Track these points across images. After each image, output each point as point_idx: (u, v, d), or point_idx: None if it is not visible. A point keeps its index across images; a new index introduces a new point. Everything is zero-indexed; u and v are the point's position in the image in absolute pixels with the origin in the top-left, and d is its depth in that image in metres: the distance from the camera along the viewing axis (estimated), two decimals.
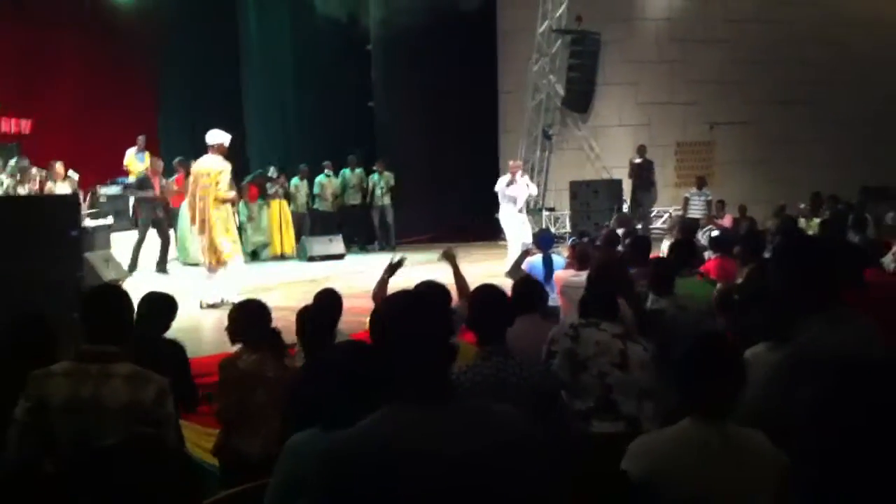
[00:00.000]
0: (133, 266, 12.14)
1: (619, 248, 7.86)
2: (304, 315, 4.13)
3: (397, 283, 8.01)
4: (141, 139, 14.52)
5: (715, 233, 9.76)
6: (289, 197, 15.57)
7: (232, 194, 9.41)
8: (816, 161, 16.11)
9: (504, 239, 12.81)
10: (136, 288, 8.67)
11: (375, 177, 16.27)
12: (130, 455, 2.21)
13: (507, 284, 4.86)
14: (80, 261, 6.91)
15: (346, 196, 16.22)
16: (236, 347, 4.36)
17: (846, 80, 16.28)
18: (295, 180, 15.70)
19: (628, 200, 15.90)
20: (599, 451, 3.20)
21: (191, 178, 9.81)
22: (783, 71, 16.52)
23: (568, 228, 17.00)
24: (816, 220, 11.81)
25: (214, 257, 9.08)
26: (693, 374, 2.53)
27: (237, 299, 7.42)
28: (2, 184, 11.60)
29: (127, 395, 3.02)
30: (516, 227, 12.06)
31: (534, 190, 13.52)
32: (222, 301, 8.78)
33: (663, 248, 9.14)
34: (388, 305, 2.02)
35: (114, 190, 13.86)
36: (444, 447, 1.82)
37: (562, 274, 7.07)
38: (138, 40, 16.55)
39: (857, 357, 2.43)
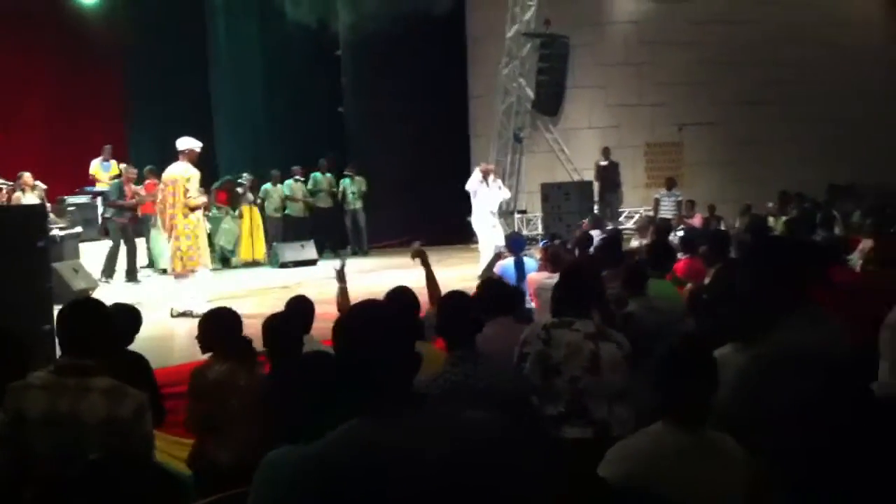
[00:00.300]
0: (109, 274, 12.06)
1: (591, 249, 7.92)
2: (269, 324, 4.08)
3: (370, 288, 8.05)
4: (106, 149, 14.43)
5: (679, 233, 9.87)
6: (262, 202, 15.48)
7: (202, 200, 9.36)
8: (784, 160, 16.30)
9: (476, 242, 12.83)
10: (106, 297, 8.61)
11: (347, 181, 16.25)
12: (110, 473, 2.20)
13: None
14: (48, 271, 6.81)
15: (316, 200, 16.17)
16: (207, 356, 4.34)
17: (812, 79, 16.47)
18: (266, 186, 15.63)
19: (597, 202, 16.07)
20: (569, 456, 3.19)
21: (160, 185, 9.76)
22: (750, 71, 16.69)
23: (540, 231, 17.09)
24: (784, 219, 11.95)
25: (181, 264, 9.02)
26: (670, 379, 2.54)
27: (205, 309, 7.38)
28: None
29: (105, 410, 2.99)
30: (488, 231, 12.07)
31: (506, 193, 13.56)
32: (192, 312, 8.72)
33: (632, 246, 9.23)
34: (349, 318, 2.02)
35: (82, 199, 13.73)
36: (406, 459, 1.81)
37: (535, 276, 7.12)
38: (105, 47, 16.39)
39: (826, 356, 2.46)
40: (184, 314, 8.88)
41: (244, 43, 17.35)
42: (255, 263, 14.96)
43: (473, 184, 12.17)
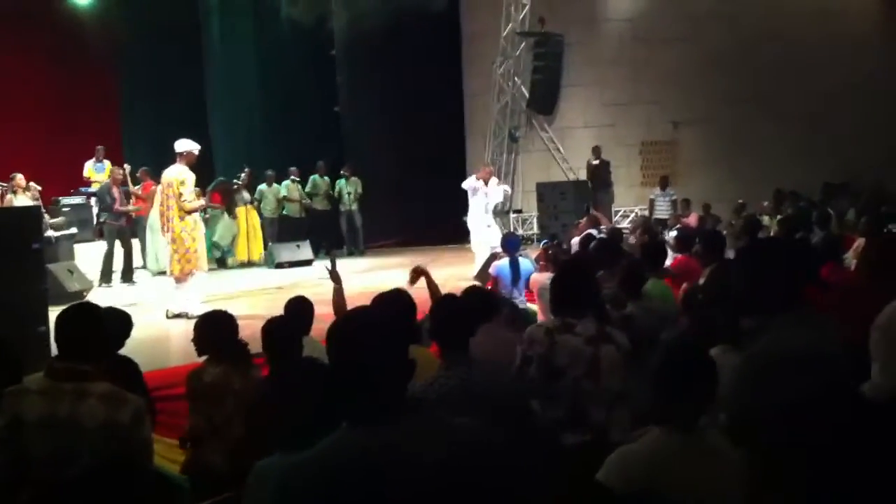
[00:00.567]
0: (108, 279, 12.03)
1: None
2: (268, 328, 4.07)
3: (366, 288, 8.05)
4: (99, 149, 14.43)
5: (673, 232, 9.88)
6: (258, 203, 15.47)
7: (198, 204, 9.33)
8: (779, 158, 16.30)
9: (471, 241, 12.78)
10: (102, 299, 8.61)
11: (343, 182, 16.24)
12: (106, 477, 2.20)
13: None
14: (43, 273, 6.80)
15: (314, 201, 16.16)
16: (203, 359, 4.34)
17: (808, 77, 16.47)
18: (262, 187, 15.61)
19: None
20: (568, 461, 3.18)
21: (159, 188, 9.76)
22: (745, 69, 16.68)
23: (536, 230, 17.11)
24: (778, 218, 11.96)
25: (178, 267, 9.01)
26: (667, 384, 2.54)
27: (201, 310, 7.38)
28: None
29: (103, 415, 2.98)
30: (482, 230, 12.03)
31: (507, 189, 13.51)
32: (187, 314, 8.72)
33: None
34: (342, 323, 2.01)
35: (77, 200, 13.70)
36: (400, 465, 1.81)
37: (538, 277, 7.13)
38: (99, 48, 16.37)
39: (819, 358, 2.46)
40: (179, 315, 8.88)
41: (239, 42, 17.31)
42: (250, 264, 14.95)
43: (471, 182, 12.10)
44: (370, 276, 11.97)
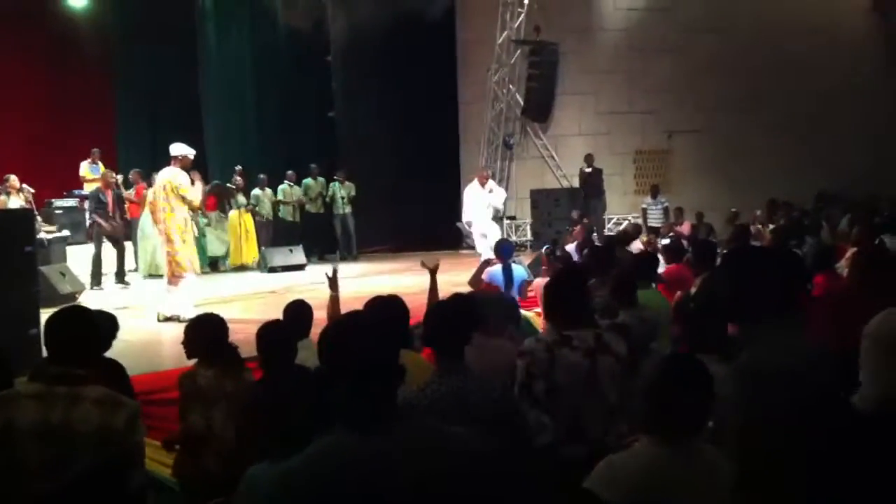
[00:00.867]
0: (97, 280, 11.98)
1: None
2: (261, 332, 4.03)
3: (359, 293, 8.03)
4: (95, 151, 14.41)
5: (665, 241, 9.89)
6: (254, 207, 15.45)
7: (196, 195, 9.29)
8: (772, 168, 16.36)
9: (465, 247, 12.77)
10: (94, 301, 8.59)
11: (337, 186, 16.24)
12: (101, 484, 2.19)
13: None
14: (35, 275, 6.79)
15: (309, 206, 16.16)
16: (193, 362, 4.32)
17: (802, 88, 16.55)
18: (256, 191, 15.60)
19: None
20: (565, 476, 3.14)
21: (152, 190, 9.74)
22: (739, 80, 16.77)
23: (529, 237, 17.14)
24: (771, 227, 11.99)
25: (170, 270, 9.01)
26: (660, 396, 2.50)
27: (192, 313, 7.36)
28: None
29: (97, 420, 2.93)
30: (478, 238, 11.98)
31: (502, 192, 13.54)
32: (179, 317, 8.70)
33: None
34: (332, 329, 2.01)
35: (70, 203, 13.67)
36: (389, 473, 1.80)
37: (542, 282, 7.13)
38: (94, 51, 16.37)
39: (808, 368, 2.46)
40: (170, 319, 8.86)
41: (235, 47, 17.29)
42: (243, 268, 14.93)
43: (476, 191, 11.96)
44: (363, 281, 11.95)
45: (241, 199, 15.21)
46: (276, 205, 15.82)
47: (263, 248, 15.06)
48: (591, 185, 16.07)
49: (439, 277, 5.92)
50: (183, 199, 8.95)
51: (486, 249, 11.40)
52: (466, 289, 8.81)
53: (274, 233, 15.67)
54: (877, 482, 2.34)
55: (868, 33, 17.37)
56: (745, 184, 16.21)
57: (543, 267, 7.60)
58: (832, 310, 4.53)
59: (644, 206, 15.91)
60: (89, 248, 12.62)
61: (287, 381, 2.71)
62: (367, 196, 16.55)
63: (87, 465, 2.85)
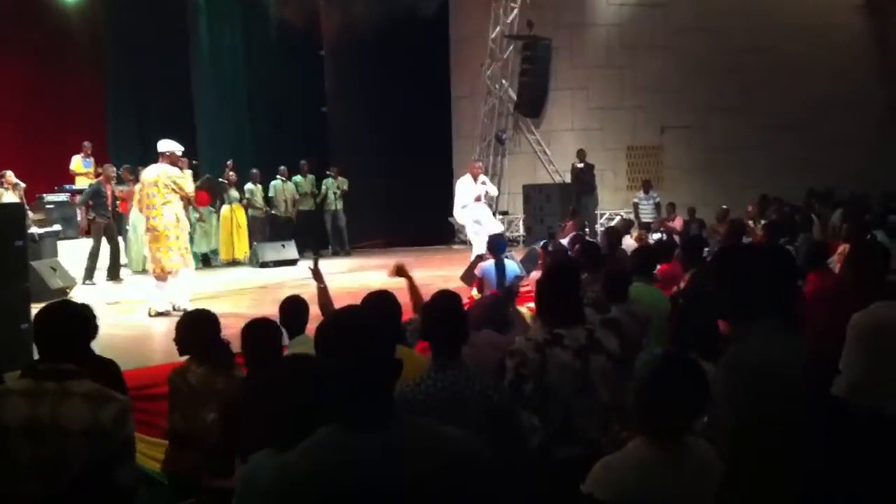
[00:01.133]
0: (90, 275, 11.94)
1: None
2: (245, 329, 4.00)
3: (350, 288, 8.04)
4: (86, 145, 14.36)
5: (656, 235, 9.91)
6: (248, 202, 15.42)
7: (190, 187, 9.28)
8: (764, 165, 16.41)
9: (457, 242, 12.73)
10: (86, 297, 8.56)
11: (329, 181, 16.22)
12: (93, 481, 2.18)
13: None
14: (26, 270, 6.75)
15: (300, 202, 16.14)
16: (184, 359, 4.31)
17: (792, 85, 16.58)
18: (249, 185, 15.56)
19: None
20: (558, 475, 3.13)
21: (138, 187, 9.69)
22: (731, 77, 16.80)
23: (522, 232, 17.15)
24: (762, 223, 12.02)
25: (159, 267, 8.97)
26: (652, 395, 2.51)
27: (188, 306, 7.35)
28: None
29: (86, 415, 2.90)
30: (471, 234, 11.95)
31: (493, 189, 13.53)
32: (173, 308, 8.69)
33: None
34: (327, 324, 2.01)
35: (61, 197, 13.62)
36: (384, 469, 1.80)
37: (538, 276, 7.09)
38: (85, 46, 16.28)
39: (798, 366, 2.45)
40: (162, 314, 8.84)
41: (227, 43, 17.27)
42: (234, 263, 14.90)
43: (468, 186, 11.90)
44: (354, 276, 11.95)
45: (234, 193, 15.17)
46: (267, 201, 15.78)
47: (255, 243, 15.04)
48: (583, 180, 16.10)
49: (433, 273, 5.92)
50: (181, 189, 8.92)
51: (479, 236, 11.27)
52: (459, 284, 8.85)
53: (268, 228, 15.64)
54: (861, 482, 2.35)
55: (860, 33, 17.41)
56: (736, 181, 16.26)
57: (540, 261, 7.58)
58: (825, 306, 4.55)
59: (636, 201, 15.93)
60: (81, 243, 12.58)
61: (273, 377, 2.68)
62: (360, 191, 16.54)
63: (79, 464, 2.83)
